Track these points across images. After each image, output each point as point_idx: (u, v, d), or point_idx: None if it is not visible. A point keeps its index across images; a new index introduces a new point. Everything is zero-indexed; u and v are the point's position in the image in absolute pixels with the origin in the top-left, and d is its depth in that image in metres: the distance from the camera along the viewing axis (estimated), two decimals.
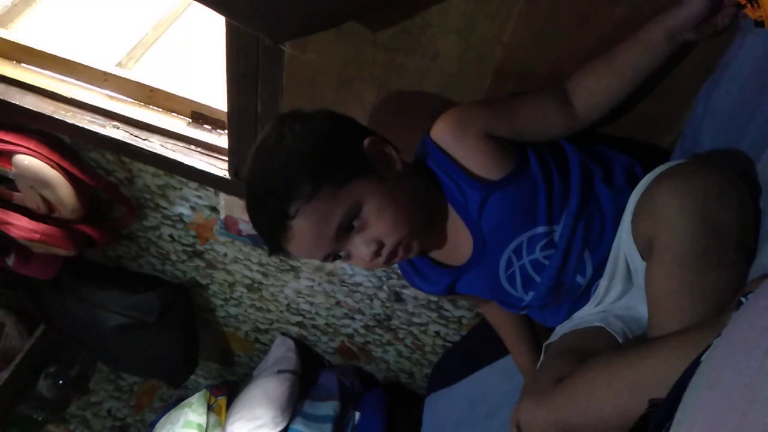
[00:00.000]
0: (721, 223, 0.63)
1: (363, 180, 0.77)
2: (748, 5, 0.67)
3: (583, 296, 0.86)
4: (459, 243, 0.85)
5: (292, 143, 0.76)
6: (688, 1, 0.73)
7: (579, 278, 0.84)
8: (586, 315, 0.86)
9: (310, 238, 0.77)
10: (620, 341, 0.79)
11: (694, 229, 0.63)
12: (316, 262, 1.46)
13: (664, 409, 0.50)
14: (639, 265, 0.75)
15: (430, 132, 0.82)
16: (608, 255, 0.81)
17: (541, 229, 0.81)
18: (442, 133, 0.81)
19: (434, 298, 1.45)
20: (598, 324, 0.82)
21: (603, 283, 0.83)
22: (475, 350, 1.29)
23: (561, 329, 0.89)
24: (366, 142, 0.79)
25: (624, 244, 0.76)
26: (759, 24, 0.67)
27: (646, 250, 0.71)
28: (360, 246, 0.78)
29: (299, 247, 0.78)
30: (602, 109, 0.83)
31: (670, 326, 0.66)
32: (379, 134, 0.82)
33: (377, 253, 0.78)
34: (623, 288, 0.82)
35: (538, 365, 0.88)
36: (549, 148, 0.84)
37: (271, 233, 0.79)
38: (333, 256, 0.80)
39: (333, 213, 0.75)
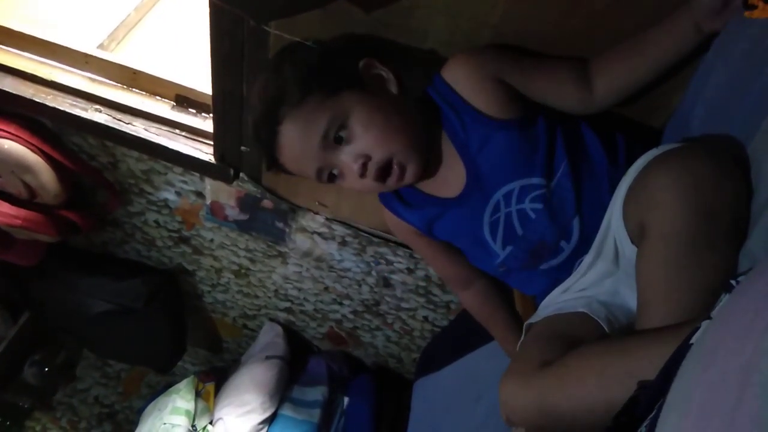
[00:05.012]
0: (715, 209, 0.62)
1: (353, 93, 0.79)
2: None
3: (564, 266, 0.85)
4: (450, 176, 0.86)
5: (290, 60, 0.81)
6: (708, 21, 0.72)
7: (563, 243, 0.84)
8: (569, 299, 0.85)
9: (298, 144, 0.79)
10: (605, 327, 0.78)
11: (687, 215, 0.62)
12: (304, 248, 1.45)
13: (654, 390, 0.50)
14: (628, 249, 0.74)
15: (441, 69, 0.84)
16: (597, 230, 0.80)
17: (536, 180, 0.82)
18: (453, 70, 0.82)
19: (423, 283, 1.44)
20: (581, 309, 0.81)
21: (587, 259, 0.82)
22: (463, 335, 1.30)
23: (543, 311, 0.87)
24: (362, 62, 0.82)
25: (614, 225, 0.76)
26: (748, 7, 0.67)
27: (637, 235, 0.70)
28: (347, 159, 0.79)
29: (290, 156, 0.81)
30: (619, 96, 0.83)
31: (659, 311, 0.66)
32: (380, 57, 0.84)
33: (364, 167, 0.78)
34: (607, 270, 0.81)
35: (518, 345, 0.87)
36: (560, 117, 0.85)
37: (265, 141, 0.81)
38: (327, 173, 0.81)
39: (318, 120, 0.77)
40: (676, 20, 0.76)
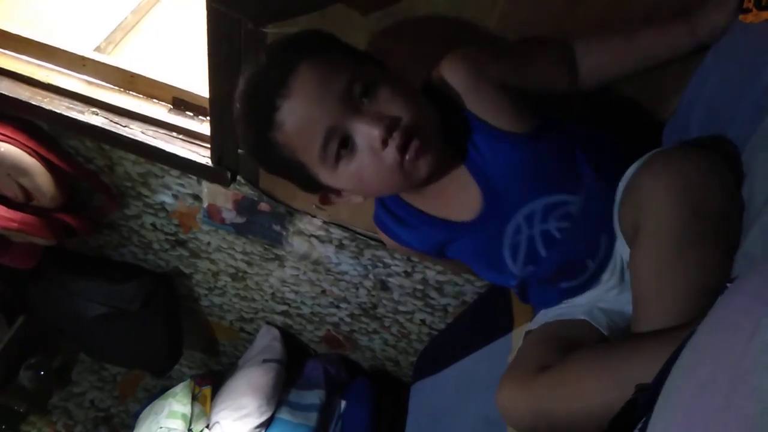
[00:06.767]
0: (704, 207, 0.63)
1: (378, 65, 0.72)
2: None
3: (587, 284, 0.81)
4: (464, 198, 0.78)
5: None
6: (714, 12, 0.71)
7: (589, 262, 0.79)
8: (569, 306, 0.84)
9: (316, 90, 0.66)
10: (606, 335, 0.78)
11: (675, 211, 0.63)
12: (301, 251, 1.44)
13: (652, 393, 0.50)
14: (625, 252, 0.74)
15: (440, 77, 0.75)
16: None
17: (561, 197, 0.76)
18: (454, 77, 0.74)
19: (420, 286, 1.44)
20: (582, 317, 0.80)
21: (606, 275, 0.80)
22: (460, 338, 1.29)
23: (542, 317, 0.86)
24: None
25: (616, 230, 0.76)
26: (743, 11, 0.67)
27: (631, 236, 0.70)
28: (371, 121, 0.66)
29: (300, 107, 0.66)
30: (602, 83, 0.82)
31: (652, 309, 0.66)
32: None
33: (389, 130, 0.66)
34: (615, 283, 0.80)
35: (517, 350, 0.86)
36: (575, 123, 0.81)
37: (272, 83, 0.67)
38: (338, 140, 0.68)
39: (345, 67, 0.68)
40: (674, 27, 0.75)
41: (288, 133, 0.68)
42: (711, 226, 0.63)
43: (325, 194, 0.77)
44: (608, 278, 0.80)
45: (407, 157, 0.67)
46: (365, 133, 0.67)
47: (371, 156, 0.68)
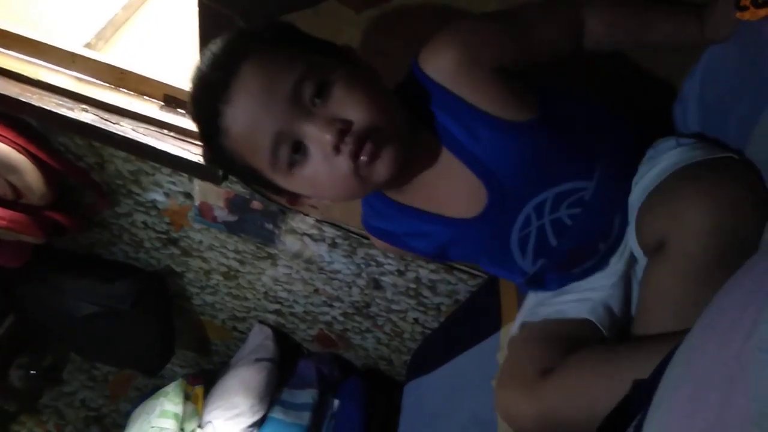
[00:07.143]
0: (743, 234, 0.62)
1: (335, 60, 0.66)
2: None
3: (596, 266, 0.78)
4: (462, 193, 0.72)
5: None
6: (719, 21, 0.69)
7: (601, 245, 0.76)
8: (571, 301, 0.80)
9: (261, 89, 0.61)
10: (607, 335, 0.76)
11: (716, 238, 0.61)
12: (294, 249, 1.44)
13: (647, 389, 0.50)
14: (633, 242, 0.73)
15: (421, 64, 0.68)
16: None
17: (572, 185, 0.71)
18: (441, 67, 0.67)
19: (413, 285, 1.44)
20: (586, 316, 0.77)
21: (614, 259, 0.78)
22: (453, 337, 1.29)
23: (541, 310, 0.82)
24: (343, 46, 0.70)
25: (629, 229, 0.74)
26: (740, 8, 0.67)
27: (651, 245, 0.68)
28: (321, 123, 0.61)
29: (245, 108, 0.62)
30: (603, 50, 0.77)
31: (661, 325, 0.65)
32: None
33: (341, 135, 0.61)
34: (622, 269, 0.78)
35: (509, 343, 0.83)
36: (582, 107, 0.76)
37: (213, 86, 0.63)
38: (289, 145, 0.63)
39: (294, 65, 0.62)
40: (685, 22, 0.72)
41: (234, 139, 0.64)
42: (747, 250, 0.62)
43: (291, 196, 0.73)
44: (616, 262, 0.78)
45: (360, 161, 0.62)
46: (316, 139, 0.62)
47: (324, 162, 0.63)
